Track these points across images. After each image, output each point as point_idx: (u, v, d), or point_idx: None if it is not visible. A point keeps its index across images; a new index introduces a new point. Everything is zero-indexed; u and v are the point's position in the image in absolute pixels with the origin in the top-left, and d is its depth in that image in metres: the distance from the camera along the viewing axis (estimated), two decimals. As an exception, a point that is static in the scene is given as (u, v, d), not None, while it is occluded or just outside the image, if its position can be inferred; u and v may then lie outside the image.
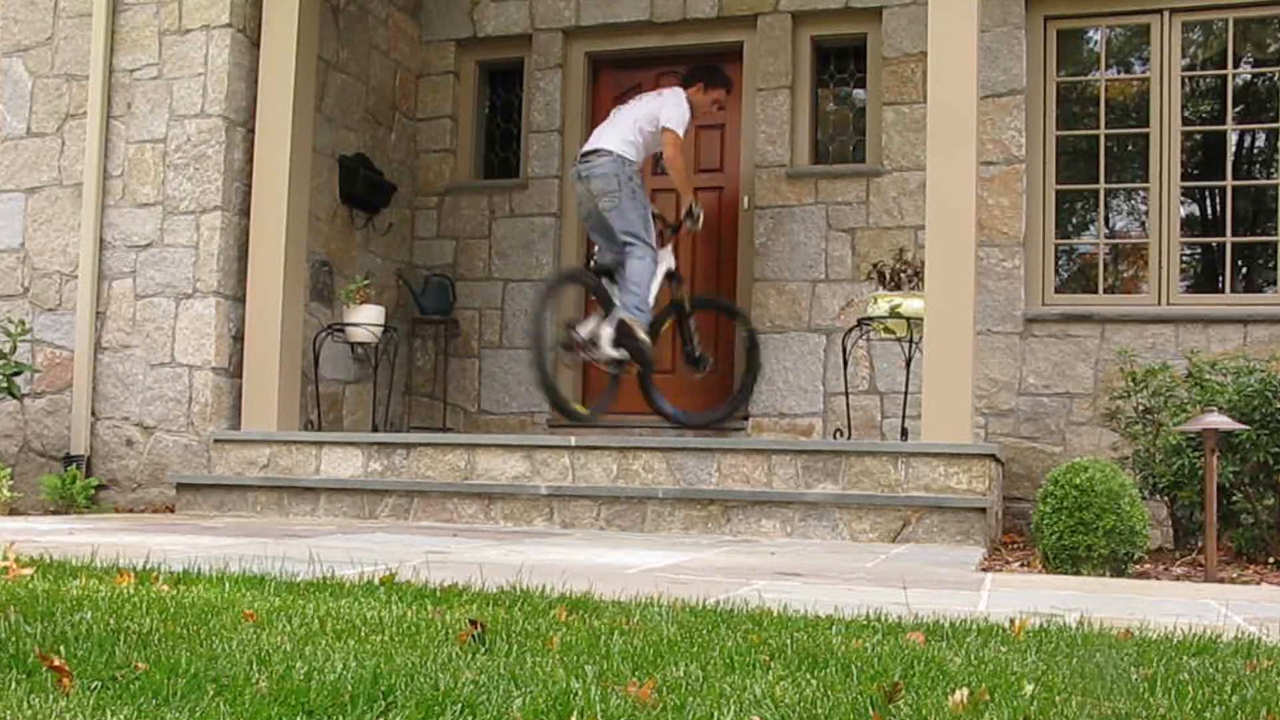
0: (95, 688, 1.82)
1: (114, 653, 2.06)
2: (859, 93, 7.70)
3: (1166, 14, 6.93)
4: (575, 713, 1.75)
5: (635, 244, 6.32)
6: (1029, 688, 1.99)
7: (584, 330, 6.26)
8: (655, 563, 4.18)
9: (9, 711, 1.64)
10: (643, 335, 6.20)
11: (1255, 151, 7.41)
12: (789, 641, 2.40)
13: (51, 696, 1.75)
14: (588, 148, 6.53)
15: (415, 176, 8.32)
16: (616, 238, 6.36)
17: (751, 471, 5.66)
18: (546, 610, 2.75)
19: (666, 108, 6.40)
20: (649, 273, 6.31)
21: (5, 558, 3.22)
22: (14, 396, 6.35)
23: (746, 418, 7.38)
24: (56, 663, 1.87)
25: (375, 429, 7.59)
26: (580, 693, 1.86)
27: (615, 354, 6.23)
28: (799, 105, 7.57)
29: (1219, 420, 4.48)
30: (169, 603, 2.68)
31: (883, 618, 2.77)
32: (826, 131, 7.82)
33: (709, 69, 6.84)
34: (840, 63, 7.74)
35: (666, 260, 6.58)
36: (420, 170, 8.33)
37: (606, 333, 6.22)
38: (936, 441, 5.46)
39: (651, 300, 6.34)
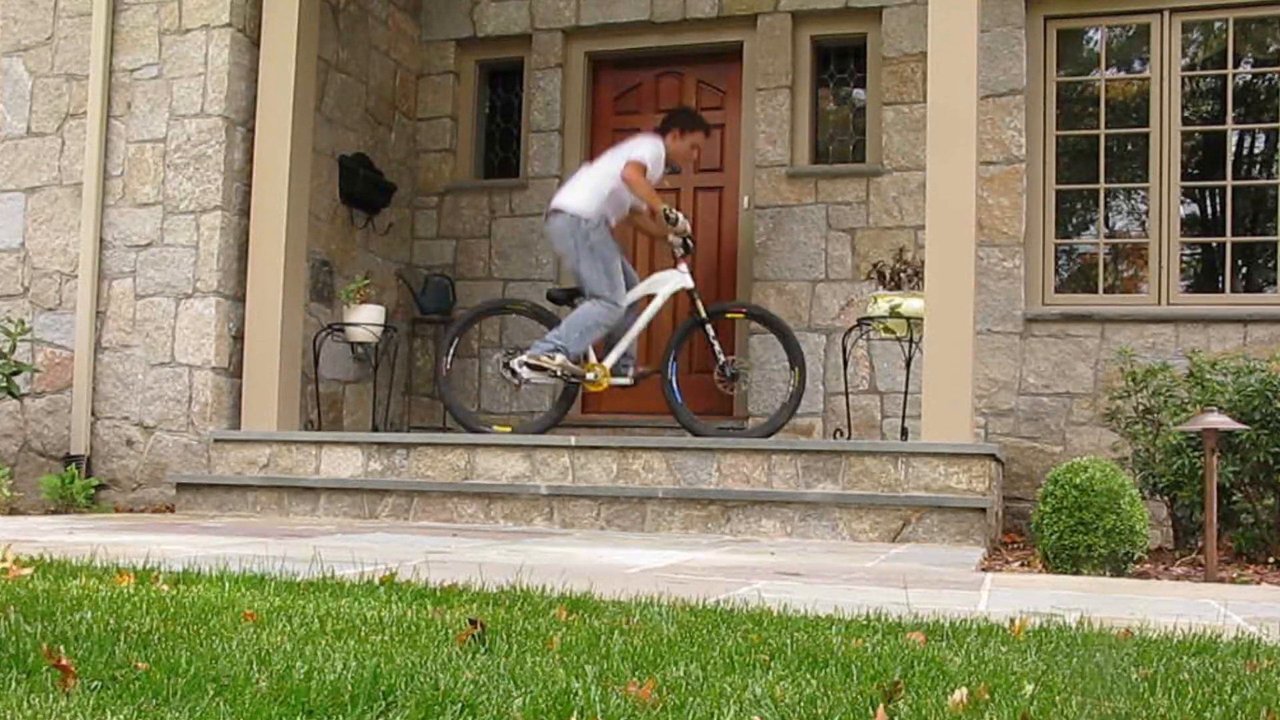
0: (95, 687, 1.83)
1: (114, 652, 2.06)
2: (859, 93, 7.70)
3: (1166, 14, 6.93)
4: (575, 712, 1.75)
5: (596, 299, 6.51)
6: (1029, 687, 1.99)
7: (511, 358, 6.62)
8: (655, 562, 4.18)
9: (9, 711, 1.64)
10: (551, 366, 6.46)
11: (1255, 151, 7.41)
12: (789, 641, 2.40)
13: (51, 696, 1.75)
14: (550, 205, 6.72)
15: (415, 176, 8.32)
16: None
17: (751, 471, 5.66)
18: (546, 610, 2.75)
19: (637, 147, 6.53)
20: (593, 321, 6.47)
21: (5, 558, 3.22)
22: (14, 396, 6.35)
23: (747, 418, 7.38)
24: (63, 661, 1.87)
25: (375, 429, 7.59)
26: (580, 692, 1.86)
27: (530, 377, 6.53)
28: (799, 105, 7.57)
29: (1219, 420, 4.48)
30: (169, 602, 2.68)
31: (883, 617, 2.77)
32: (826, 131, 7.82)
33: (682, 113, 6.87)
34: (840, 63, 7.74)
35: (674, 281, 6.60)
36: (420, 170, 8.33)
37: (520, 360, 6.54)
38: (936, 441, 5.46)
39: (588, 341, 6.50)
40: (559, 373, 6.49)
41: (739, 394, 7.36)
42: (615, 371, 6.63)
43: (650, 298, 6.67)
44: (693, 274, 6.67)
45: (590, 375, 6.56)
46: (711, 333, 6.59)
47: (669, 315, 7.16)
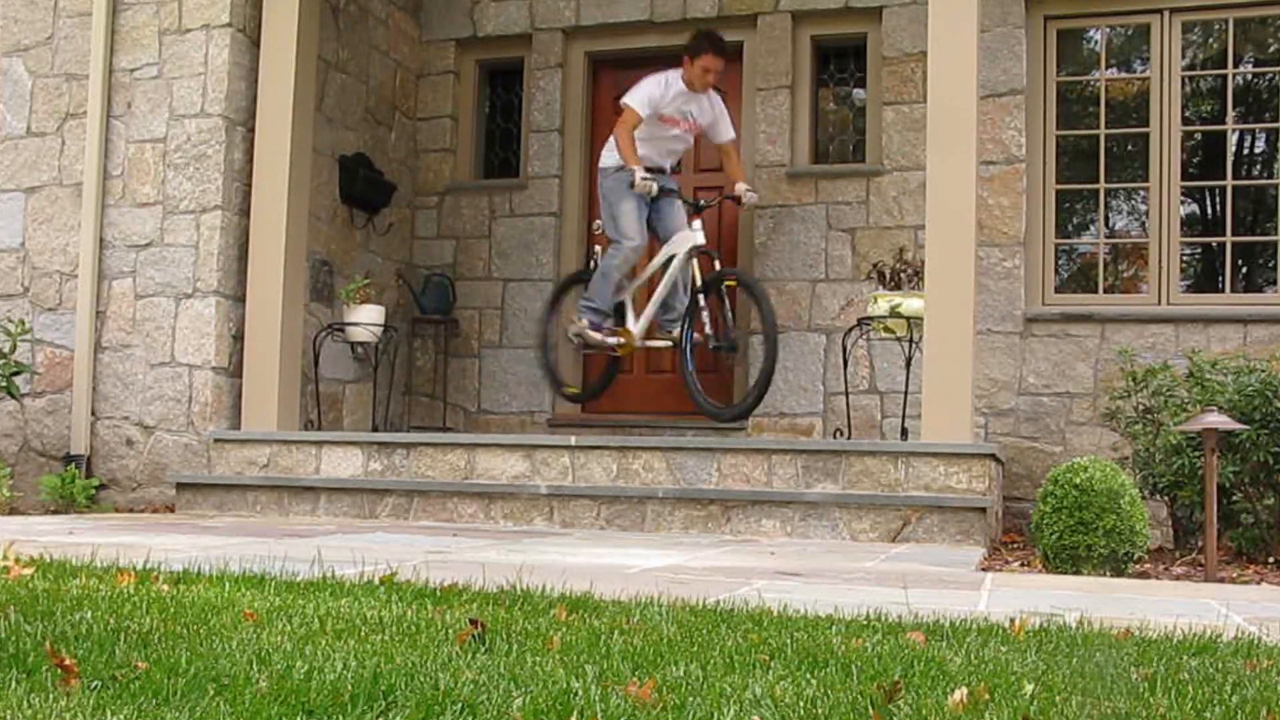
0: (95, 687, 1.83)
1: (114, 652, 2.06)
2: (859, 92, 7.70)
3: (1166, 14, 6.93)
4: (575, 712, 1.75)
5: (611, 241, 6.72)
6: (1029, 687, 1.99)
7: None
8: (655, 562, 4.18)
9: (9, 711, 1.64)
10: (578, 326, 6.76)
11: (1255, 151, 7.41)
12: (789, 641, 2.40)
13: (51, 696, 1.75)
14: None
15: (415, 176, 8.32)
16: None
17: (751, 471, 5.66)
18: (546, 610, 2.75)
19: (633, 89, 6.68)
20: (607, 267, 6.69)
21: (5, 557, 3.22)
22: (14, 396, 6.35)
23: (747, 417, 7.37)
24: (66, 661, 1.87)
25: (375, 429, 7.58)
26: (580, 692, 1.86)
27: (579, 342, 6.89)
28: (799, 105, 7.57)
29: (1219, 420, 4.48)
30: (169, 602, 2.68)
31: (883, 617, 2.77)
32: (826, 131, 7.82)
33: (693, 37, 6.81)
34: (840, 62, 7.74)
35: (686, 240, 6.56)
36: (420, 170, 8.33)
37: (572, 328, 6.89)
38: (936, 441, 5.46)
39: (608, 288, 6.69)
40: (576, 339, 6.80)
41: (739, 373, 7.29)
42: (651, 334, 6.74)
43: (671, 259, 6.66)
44: (707, 233, 6.69)
45: (613, 340, 6.73)
46: (702, 301, 6.49)
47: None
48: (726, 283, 6.66)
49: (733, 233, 7.76)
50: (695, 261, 6.52)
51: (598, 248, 7.54)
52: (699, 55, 6.66)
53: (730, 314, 6.52)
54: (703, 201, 6.77)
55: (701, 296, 6.49)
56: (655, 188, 6.51)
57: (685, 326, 6.60)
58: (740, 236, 7.68)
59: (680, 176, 7.59)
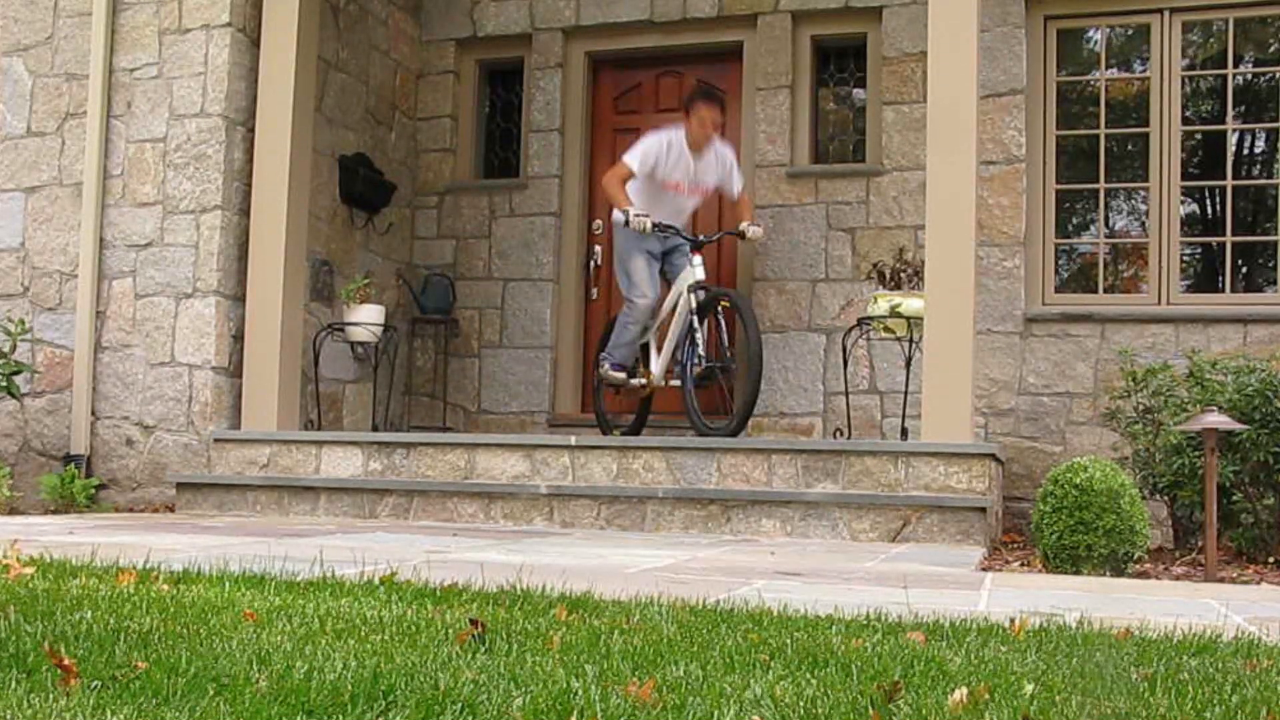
0: (95, 687, 1.83)
1: (114, 652, 2.06)
2: (859, 92, 7.70)
3: (1167, 14, 6.93)
4: (575, 712, 1.75)
5: (625, 300, 6.91)
6: (1029, 687, 1.99)
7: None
8: (655, 562, 4.18)
9: (9, 711, 1.64)
10: (604, 370, 6.94)
11: (1255, 151, 7.41)
12: (789, 641, 2.40)
13: (51, 696, 1.75)
14: None
15: (415, 176, 8.32)
16: None
17: (751, 471, 5.66)
18: (546, 610, 2.75)
19: (632, 147, 6.79)
20: (623, 326, 6.88)
21: (6, 557, 3.22)
22: (14, 396, 6.35)
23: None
24: (66, 661, 1.87)
25: (375, 429, 7.59)
26: (580, 692, 1.86)
27: (603, 382, 7.15)
28: (799, 105, 7.57)
29: (1219, 420, 4.48)
30: (169, 602, 2.68)
31: (883, 617, 2.77)
32: (826, 131, 7.82)
33: (690, 93, 6.99)
34: (840, 62, 7.74)
35: (686, 277, 6.67)
36: (420, 170, 8.33)
37: (599, 371, 7.06)
38: (936, 441, 5.46)
39: (625, 344, 6.87)
40: (603, 381, 6.98)
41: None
42: (671, 373, 6.84)
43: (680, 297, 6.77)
44: (707, 267, 6.79)
45: (635, 382, 6.91)
46: (696, 324, 6.54)
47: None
48: (721, 304, 6.70)
49: (733, 237, 7.74)
50: (693, 295, 6.59)
51: (597, 248, 7.62)
52: (692, 107, 6.74)
53: (726, 335, 6.58)
54: (702, 237, 6.89)
55: (695, 319, 6.56)
56: (649, 224, 6.54)
57: (684, 350, 6.66)
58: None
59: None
